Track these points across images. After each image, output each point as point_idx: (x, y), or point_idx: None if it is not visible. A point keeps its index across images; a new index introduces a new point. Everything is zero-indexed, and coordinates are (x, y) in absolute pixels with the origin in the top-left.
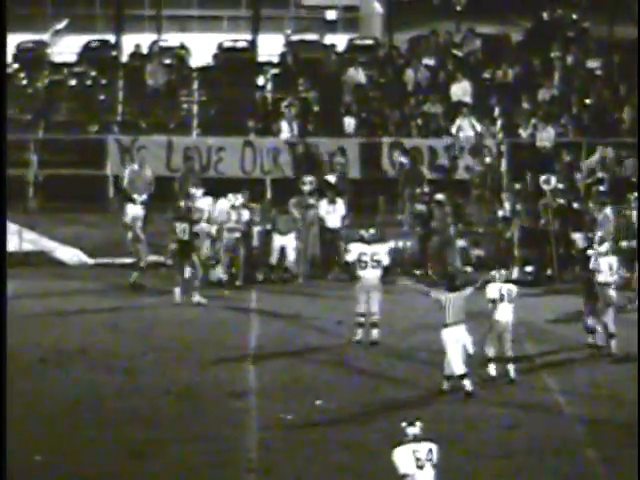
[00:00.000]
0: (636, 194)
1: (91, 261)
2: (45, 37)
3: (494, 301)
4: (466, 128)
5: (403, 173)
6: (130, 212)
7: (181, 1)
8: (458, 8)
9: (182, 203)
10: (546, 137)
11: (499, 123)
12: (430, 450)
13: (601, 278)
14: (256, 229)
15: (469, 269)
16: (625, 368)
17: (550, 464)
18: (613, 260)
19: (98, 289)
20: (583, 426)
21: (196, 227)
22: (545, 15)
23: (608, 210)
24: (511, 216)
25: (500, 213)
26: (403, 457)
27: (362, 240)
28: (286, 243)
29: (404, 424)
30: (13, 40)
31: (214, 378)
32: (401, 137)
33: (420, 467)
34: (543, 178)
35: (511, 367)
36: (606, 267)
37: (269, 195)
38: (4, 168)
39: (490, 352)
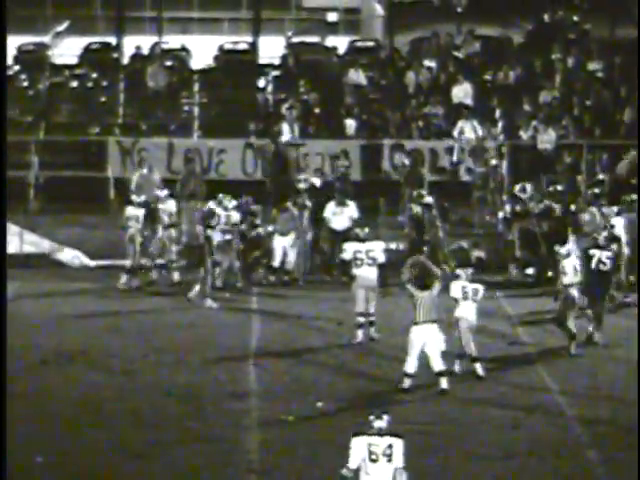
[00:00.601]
0: (633, 196)
1: (92, 263)
2: (46, 39)
3: (456, 300)
4: (468, 130)
5: (404, 175)
6: (126, 213)
7: (182, 3)
8: (459, 10)
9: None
10: (547, 139)
11: (500, 125)
12: (390, 445)
13: (566, 280)
14: (256, 231)
15: (470, 271)
16: (626, 369)
17: (551, 465)
18: (577, 261)
19: (99, 291)
20: (584, 427)
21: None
22: (546, 17)
23: (593, 209)
24: (511, 218)
25: (500, 215)
26: (355, 448)
27: (357, 238)
28: (287, 244)
29: (372, 417)
30: (14, 42)
31: (215, 379)
32: (402, 139)
33: (373, 460)
34: (518, 187)
35: (457, 363)
36: (571, 269)
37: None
38: (5, 170)
39: (472, 352)
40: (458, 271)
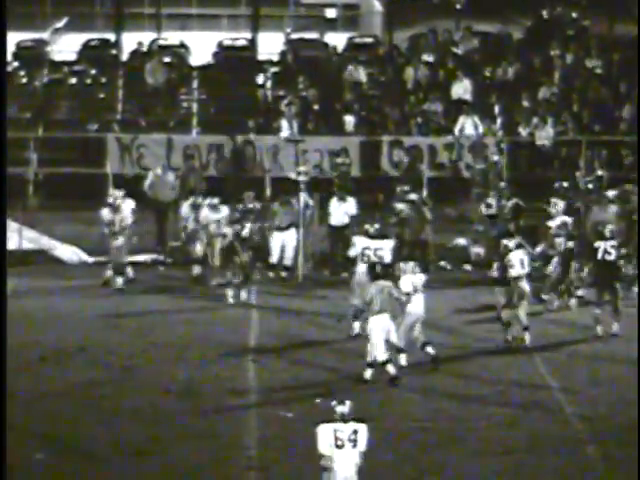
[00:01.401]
0: (615, 192)
1: (91, 259)
2: (45, 35)
3: (407, 294)
4: (469, 127)
5: (402, 171)
6: (103, 217)
7: None
8: (458, 6)
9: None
10: (545, 135)
11: (499, 121)
12: (355, 431)
13: (513, 272)
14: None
15: (469, 267)
16: (625, 367)
17: (550, 462)
18: (524, 254)
19: (98, 287)
20: (583, 424)
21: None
22: (545, 13)
23: (560, 205)
24: (495, 216)
25: (484, 211)
26: (322, 435)
27: (367, 234)
28: (286, 239)
29: (334, 402)
30: (13, 38)
31: (214, 375)
32: (401, 135)
33: (339, 447)
34: (483, 206)
35: (430, 350)
36: (517, 261)
37: (269, 193)
38: (4, 166)
39: (401, 343)
40: (402, 265)
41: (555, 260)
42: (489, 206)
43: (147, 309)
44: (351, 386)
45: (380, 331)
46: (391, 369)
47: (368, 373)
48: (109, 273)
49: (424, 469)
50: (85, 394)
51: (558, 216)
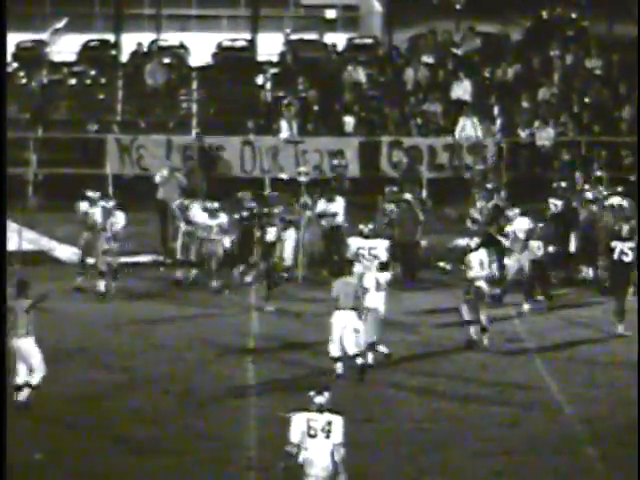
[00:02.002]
0: (606, 192)
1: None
2: (44, 36)
3: (367, 289)
4: (469, 128)
5: (402, 172)
6: (82, 209)
7: (180, 0)
8: (458, 7)
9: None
10: (545, 136)
11: (499, 122)
12: (329, 422)
13: (472, 273)
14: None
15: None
16: (624, 368)
17: (549, 462)
18: (484, 255)
19: (97, 287)
20: (582, 424)
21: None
22: (544, 14)
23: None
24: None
25: (471, 226)
26: (295, 424)
27: (361, 234)
28: (285, 240)
29: (312, 392)
30: (12, 39)
31: (214, 375)
32: (400, 136)
33: (312, 436)
34: (469, 222)
35: (370, 355)
36: (477, 262)
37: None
38: (4, 167)
39: (375, 340)
40: (366, 263)
41: (525, 263)
42: (475, 221)
43: (147, 310)
44: (351, 386)
45: (340, 327)
46: (339, 368)
47: (359, 360)
48: (80, 279)
49: (424, 469)
50: (84, 394)
51: (515, 219)
